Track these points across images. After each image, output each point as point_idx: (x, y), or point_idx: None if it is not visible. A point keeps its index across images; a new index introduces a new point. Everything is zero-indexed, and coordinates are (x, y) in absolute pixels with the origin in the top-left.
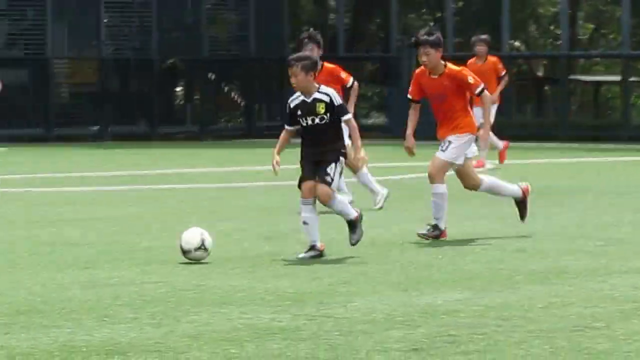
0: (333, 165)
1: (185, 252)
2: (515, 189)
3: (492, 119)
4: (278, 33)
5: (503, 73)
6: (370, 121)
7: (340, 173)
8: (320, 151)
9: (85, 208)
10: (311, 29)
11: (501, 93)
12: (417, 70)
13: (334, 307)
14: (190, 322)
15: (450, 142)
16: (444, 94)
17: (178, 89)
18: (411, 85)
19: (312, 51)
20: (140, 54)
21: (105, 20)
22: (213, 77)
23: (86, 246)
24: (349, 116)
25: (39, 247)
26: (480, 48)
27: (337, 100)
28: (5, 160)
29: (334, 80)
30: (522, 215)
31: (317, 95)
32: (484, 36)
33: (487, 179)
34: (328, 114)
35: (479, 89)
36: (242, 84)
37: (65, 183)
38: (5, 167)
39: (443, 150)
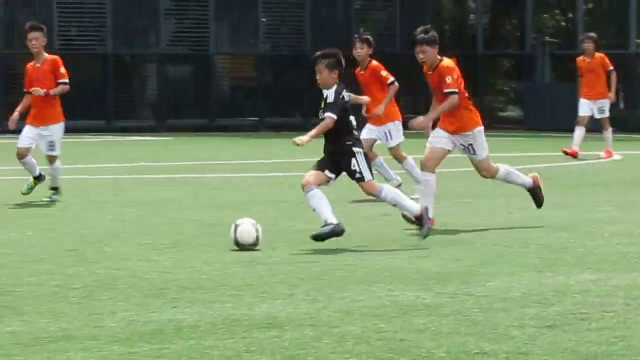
0: (353, 160)
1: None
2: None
3: (604, 115)
4: None
5: (610, 68)
6: (506, 114)
7: (366, 162)
8: (333, 150)
9: (246, 193)
10: (361, 30)
11: (618, 89)
12: (424, 68)
13: (474, 286)
14: (341, 299)
15: (472, 144)
16: (439, 87)
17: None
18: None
19: (362, 49)
20: (294, 51)
21: (263, 20)
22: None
23: None
24: (328, 114)
25: (204, 228)
26: (588, 45)
27: (330, 98)
28: (172, 149)
29: (376, 77)
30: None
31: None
32: (590, 34)
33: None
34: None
35: (448, 90)
36: None
37: (227, 170)
38: (172, 155)
39: (476, 154)
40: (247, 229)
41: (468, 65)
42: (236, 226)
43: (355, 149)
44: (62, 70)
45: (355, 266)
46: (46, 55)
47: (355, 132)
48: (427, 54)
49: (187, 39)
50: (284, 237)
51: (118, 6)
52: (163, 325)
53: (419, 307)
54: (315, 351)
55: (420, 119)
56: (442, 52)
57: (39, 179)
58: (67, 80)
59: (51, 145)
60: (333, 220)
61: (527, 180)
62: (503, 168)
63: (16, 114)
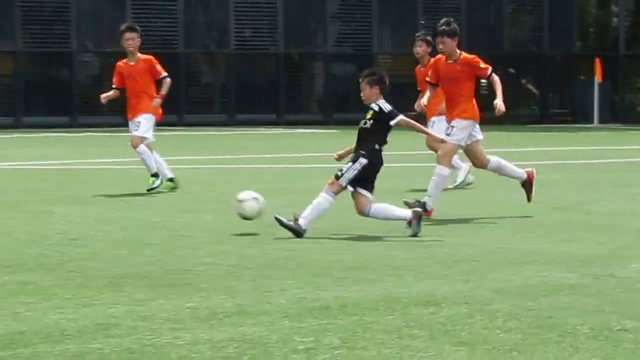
0: (350, 164)
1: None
2: (520, 172)
3: None
4: (567, 33)
5: None
6: None
7: (357, 171)
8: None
9: (402, 180)
10: (423, 31)
11: None
12: (437, 57)
13: (616, 268)
14: (493, 279)
15: (453, 127)
16: (456, 77)
17: (482, 80)
18: (430, 71)
19: (421, 47)
20: None
21: (422, 22)
22: (513, 70)
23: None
24: (398, 118)
25: None
26: None
27: (386, 108)
28: (338, 140)
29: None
30: (528, 197)
31: (372, 105)
32: None
33: (493, 160)
34: (372, 120)
35: (489, 71)
36: (536, 77)
37: (387, 160)
38: (338, 146)
39: (448, 135)
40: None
41: (610, 65)
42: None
43: (361, 159)
44: (159, 67)
45: (506, 249)
46: (139, 54)
47: (382, 148)
48: (446, 44)
49: (352, 40)
50: (439, 222)
51: (289, 9)
52: (329, 302)
53: (565, 287)
54: (469, 327)
55: (500, 104)
56: (585, 53)
57: (172, 180)
58: (166, 74)
59: (137, 124)
60: (407, 213)
61: (435, 200)
62: (447, 172)
63: (104, 98)
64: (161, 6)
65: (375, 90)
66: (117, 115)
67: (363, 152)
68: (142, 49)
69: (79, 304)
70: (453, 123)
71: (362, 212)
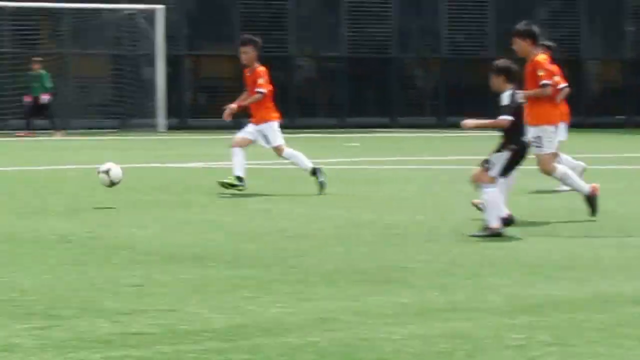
0: (498, 153)
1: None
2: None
3: None
4: None
5: None
6: None
7: (507, 162)
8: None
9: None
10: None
11: None
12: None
13: None
14: None
15: (540, 137)
16: (527, 79)
17: None
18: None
19: (517, 44)
20: None
21: (629, 28)
22: None
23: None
24: (502, 117)
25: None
26: None
27: (504, 101)
28: None
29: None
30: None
31: (503, 97)
32: None
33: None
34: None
35: (542, 82)
36: None
37: (596, 162)
38: None
39: (540, 147)
40: (116, 171)
41: None
42: (108, 171)
43: (510, 146)
44: (260, 81)
45: None
46: (256, 65)
47: (522, 137)
48: (517, 45)
49: (560, 45)
50: (630, 223)
51: (499, 15)
52: (540, 299)
53: None
54: None
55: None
56: None
57: (239, 179)
58: (261, 90)
59: (266, 138)
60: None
61: (581, 184)
62: (563, 169)
63: (234, 106)
64: (375, 12)
65: (501, 79)
66: (333, 117)
67: (513, 146)
68: (357, 53)
69: (298, 298)
70: (538, 133)
71: (476, 184)
